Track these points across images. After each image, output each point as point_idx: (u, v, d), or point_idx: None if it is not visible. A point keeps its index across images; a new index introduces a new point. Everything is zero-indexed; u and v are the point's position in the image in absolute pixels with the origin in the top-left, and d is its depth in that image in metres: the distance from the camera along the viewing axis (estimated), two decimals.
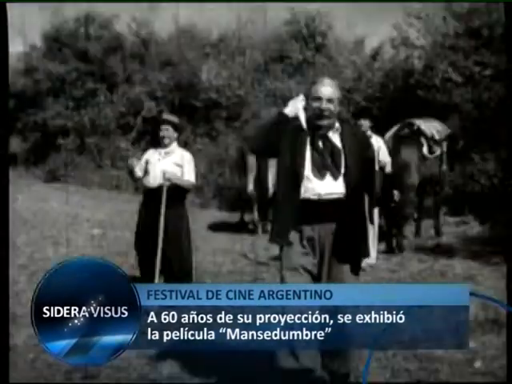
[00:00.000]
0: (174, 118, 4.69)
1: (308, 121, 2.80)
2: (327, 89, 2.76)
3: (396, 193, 5.30)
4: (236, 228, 8.66)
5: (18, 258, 6.10)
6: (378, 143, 5.50)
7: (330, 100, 2.74)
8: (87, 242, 7.34)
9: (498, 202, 6.15)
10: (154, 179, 4.42)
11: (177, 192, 4.45)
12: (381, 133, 6.09)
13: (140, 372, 3.33)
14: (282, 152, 2.78)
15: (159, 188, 4.37)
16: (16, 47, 15.03)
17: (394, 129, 7.00)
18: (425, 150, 6.86)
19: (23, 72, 15.76)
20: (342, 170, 2.73)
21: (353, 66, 12.79)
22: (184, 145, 12.40)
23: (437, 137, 6.97)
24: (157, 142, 4.64)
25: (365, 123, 5.62)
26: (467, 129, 8.44)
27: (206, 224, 8.91)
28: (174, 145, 4.56)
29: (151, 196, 4.46)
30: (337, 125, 2.82)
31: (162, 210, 4.35)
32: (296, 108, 2.81)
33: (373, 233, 5.38)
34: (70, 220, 9.09)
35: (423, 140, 6.90)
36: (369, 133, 5.46)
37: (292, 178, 2.73)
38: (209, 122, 13.54)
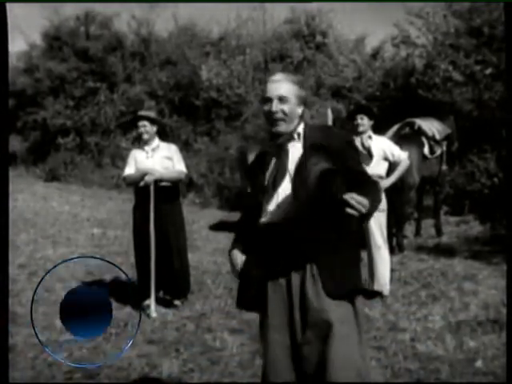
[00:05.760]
0: (149, 113, 4.87)
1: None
2: (277, 85, 2.19)
3: None
4: None
5: (17, 257, 6.10)
6: (382, 145, 4.66)
7: (281, 99, 2.16)
8: (87, 241, 7.34)
9: (499, 202, 6.13)
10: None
11: (168, 187, 4.51)
12: (381, 132, 5.86)
13: (140, 372, 3.32)
14: None
15: (148, 187, 4.43)
16: (16, 46, 15.05)
17: (395, 128, 6.97)
18: (426, 150, 6.83)
19: (23, 71, 15.77)
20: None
21: (353, 64, 12.77)
22: (184, 144, 12.45)
23: (437, 136, 6.94)
24: (138, 140, 4.76)
25: (362, 122, 4.64)
26: (467, 128, 8.41)
27: (206, 223, 8.89)
28: (157, 140, 4.63)
29: (142, 195, 4.49)
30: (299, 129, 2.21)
31: (152, 212, 4.40)
32: None
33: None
34: (69, 219, 9.09)
35: (424, 140, 6.87)
36: (370, 133, 4.65)
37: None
38: (209, 121, 13.51)
